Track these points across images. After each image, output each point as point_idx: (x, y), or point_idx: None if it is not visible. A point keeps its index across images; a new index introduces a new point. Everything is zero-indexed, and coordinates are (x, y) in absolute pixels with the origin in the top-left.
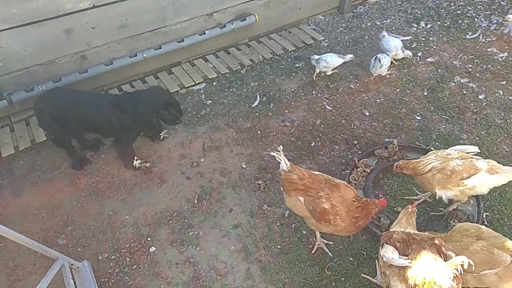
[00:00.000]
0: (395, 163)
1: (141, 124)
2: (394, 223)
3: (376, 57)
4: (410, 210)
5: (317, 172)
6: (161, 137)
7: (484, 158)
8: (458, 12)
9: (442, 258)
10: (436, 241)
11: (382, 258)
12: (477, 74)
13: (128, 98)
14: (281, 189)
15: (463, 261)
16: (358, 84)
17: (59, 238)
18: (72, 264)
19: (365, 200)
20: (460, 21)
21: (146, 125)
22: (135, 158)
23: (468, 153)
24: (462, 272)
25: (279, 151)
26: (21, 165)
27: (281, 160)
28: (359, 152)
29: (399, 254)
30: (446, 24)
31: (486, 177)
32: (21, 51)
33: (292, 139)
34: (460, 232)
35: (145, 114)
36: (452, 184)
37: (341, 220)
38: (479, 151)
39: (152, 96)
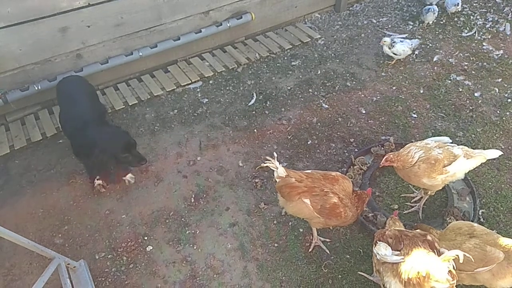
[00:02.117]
0: (385, 157)
1: (97, 170)
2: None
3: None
4: (393, 217)
5: (309, 171)
6: (127, 182)
7: None
8: None
9: (435, 253)
10: (429, 237)
11: (376, 256)
12: (473, 72)
13: (89, 136)
14: (279, 198)
15: (457, 255)
16: (354, 82)
17: (56, 238)
18: (68, 264)
19: (360, 192)
20: (456, 19)
21: (101, 171)
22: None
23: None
24: (456, 269)
25: (270, 160)
26: (16, 165)
27: (277, 167)
28: (356, 150)
29: (392, 250)
30: (442, 22)
31: (464, 162)
32: (16, 50)
33: (289, 137)
34: (454, 230)
35: (103, 161)
36: (436, 173)
37: (349, 210)
38: (451, 141)
39: (110, 140)
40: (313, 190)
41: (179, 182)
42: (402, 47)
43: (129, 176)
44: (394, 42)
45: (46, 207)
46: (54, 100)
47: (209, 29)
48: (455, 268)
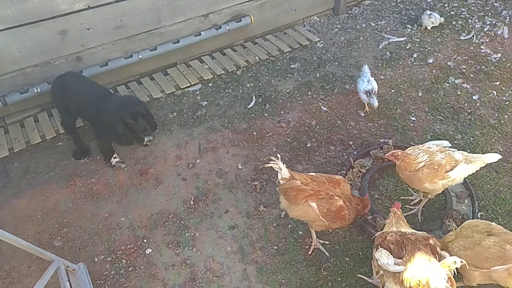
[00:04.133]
0: (392, 151)
1: (108, 132)
2: (386, 225)
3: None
4: (398, 212)
5: (313, 173)
6: (144, 143)
7: None
8: (452, 13)
9: (436, 258)
10: (431, 241)
11: (376, 260)
12: (471, 75)
13: (106, 100)
14: (281, 200)
15: (455, 261)
16: (353, 85)
17: (55, 240)
18: (68, 266)
19: (361, 198)
20: (454, 22)
21: (112, 134)
22: (114, 155)
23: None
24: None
25: (274, 160)
26: (15, 167)
27: (281, 168)
28: (355, 152)
29: (394, 257)
30: (440, 25)
31: (464, 167)
32: (16, 52)
33: (288, 140)
34: (470, 228)
35: (111, 122)
36: (438, 178)
37: (352, 212)
38: (451, 145)
39: (120, 105)
40: (319, 194)
41: (178, 184)
42: (374, 82)
43: (146, 140)
44: (370, 82)
45: (45, 209)
46: (53, 103)
47: (209, 32)
48: (455, 273)
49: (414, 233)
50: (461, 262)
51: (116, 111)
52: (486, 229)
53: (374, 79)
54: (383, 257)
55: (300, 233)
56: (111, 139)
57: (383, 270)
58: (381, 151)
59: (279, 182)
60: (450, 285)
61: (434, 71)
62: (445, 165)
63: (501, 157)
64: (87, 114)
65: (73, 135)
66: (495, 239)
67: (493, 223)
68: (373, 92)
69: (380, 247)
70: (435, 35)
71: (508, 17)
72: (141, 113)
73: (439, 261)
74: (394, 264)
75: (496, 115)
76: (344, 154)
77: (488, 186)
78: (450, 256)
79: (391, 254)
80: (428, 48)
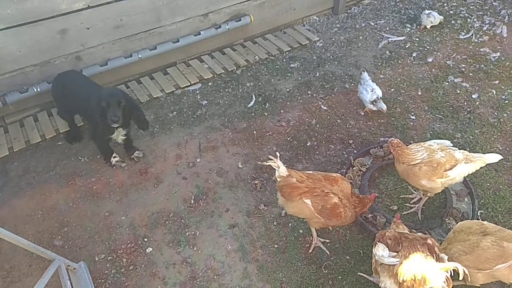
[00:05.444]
0: (390, 139)
1: (93, 120)
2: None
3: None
4: (396, 221)
5: (310, 172)
6: (132, 156)
7: None
8: (451, 12)
9: (434, 258)
10: (429, 241)
11: (374, 256)
12: (470, 74)
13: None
14: (278, 197)
15: (456, 267)
16: (353, 84)
17: (55, 239)
18: (68, 265)
19: (362, 197)
20: (453, 22)
21: (95, 121)
22: (114, 155)
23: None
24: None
25: (272, 159)
26: (15, 167)
27: (279, 167)
28: (355, 151)
29: (390, 251)
30: (439, 24)
31: (464, 167)
32: (16, 52)
33: (288, 138)
34: (463, 230)
35: (92, 108)
36: (436, 176)
37: (349, 210)
38: (452, 145)
39: (102, 92)
40: (314, 191)
41: (178, 183)
42: (377, 88)
43: (136, 153)
44: (374, 92)
45: (45, 209)
46: (53, 102)
47: (208, 32)
48: (452, 275)
49: (412, 234)
50: (464, 271)
51: (96, 97)
52: (480, 229)
53: (376, 84)
54: (379, 250)
55: (301, 231)
56: (98, 132)
57: (380, 265)
58: (381, 149)
59: (276, 180)
60: (447, 285)
61: (433, 70)
62: (445, 164)
63: (502, 157)
64: (84, 113)
65: (69, 121)
66: (492, 238)
67: (485, 222)
68: (379, 98)
69: (378, 242)
70: (434, 34)
71: (507, 16)
72: (117, 102)
73: (437, 261)
74: (389, 256)
75: (496, 113)
76: (344, 153)
77: (488, 184)
78: (448, 258)
79: (388, 248)
80: (428, 47)
